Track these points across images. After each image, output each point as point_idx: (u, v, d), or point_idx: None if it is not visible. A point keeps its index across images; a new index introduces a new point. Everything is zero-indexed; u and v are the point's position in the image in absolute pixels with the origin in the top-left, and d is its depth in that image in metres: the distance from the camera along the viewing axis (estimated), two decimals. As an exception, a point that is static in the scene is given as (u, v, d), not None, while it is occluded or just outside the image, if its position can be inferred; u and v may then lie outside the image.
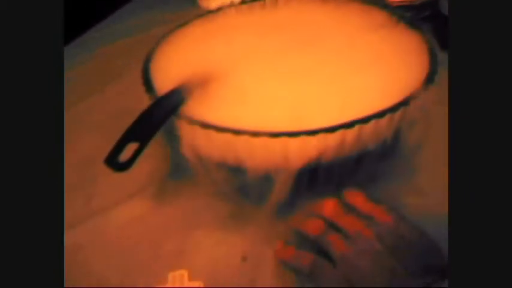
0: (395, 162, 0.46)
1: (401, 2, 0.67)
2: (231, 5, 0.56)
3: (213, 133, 0.38)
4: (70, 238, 0.44)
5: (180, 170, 0.48)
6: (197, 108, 0.41)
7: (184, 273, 0.43)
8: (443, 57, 0.43)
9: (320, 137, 0.37)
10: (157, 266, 0.43)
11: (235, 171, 0.41)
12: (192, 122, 0.39)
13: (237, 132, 0.38)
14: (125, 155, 0.38)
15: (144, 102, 0.42)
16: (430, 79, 0.42)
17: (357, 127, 0.38)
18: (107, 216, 0.48)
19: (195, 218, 0.47)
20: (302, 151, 0.38)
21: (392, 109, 0.39)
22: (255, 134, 0.37)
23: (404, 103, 0.39)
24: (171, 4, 0.82)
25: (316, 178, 0.42)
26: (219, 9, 0.56)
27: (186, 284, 0.42)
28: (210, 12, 0.55)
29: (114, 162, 0.37)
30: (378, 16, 0.51)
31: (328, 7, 0.53)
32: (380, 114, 0.38)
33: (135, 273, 0.43)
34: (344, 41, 0.48)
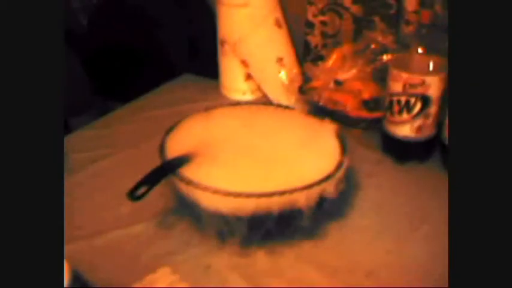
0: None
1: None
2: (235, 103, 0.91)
3: (193, 188, 0.61)
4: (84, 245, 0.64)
5: (177, 209, 0.67)
6: (192, 170, 0.63)
7: (168, 269, 0.59)
8: None
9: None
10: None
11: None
12: (181, 179, 0.62)
13: (204, 188, 0.60)
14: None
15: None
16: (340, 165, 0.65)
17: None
18: (119, 232, 0.66)
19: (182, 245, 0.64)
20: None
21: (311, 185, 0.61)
22: (216, 191, 0.59)
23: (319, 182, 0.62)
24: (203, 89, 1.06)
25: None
26: (220, 106, 0.82)
27: (170, 277, 0.58)
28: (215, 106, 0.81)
29: (132, 195, 0.58)
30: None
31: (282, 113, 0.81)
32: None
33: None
34: (287, 134, 0.73)
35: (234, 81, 1.03)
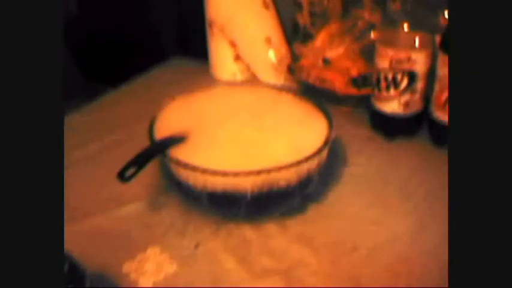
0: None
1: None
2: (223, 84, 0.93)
3: (182, 168, 0.61)
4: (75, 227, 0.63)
5: (167, 189, 0.69)
6: (181, 150, 0.64)
7: (157, 248, 0.60)
8: None
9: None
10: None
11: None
12: (170, 159, 0.62)
13: (192, 168, 0.60)
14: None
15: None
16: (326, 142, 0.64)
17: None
18: (110, 213, 0.67)
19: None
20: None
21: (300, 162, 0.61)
22: (204, 170, 0.60)
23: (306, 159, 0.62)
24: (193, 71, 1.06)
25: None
26: (209, 87, 0.81)
27: (159, 256, 0.59)
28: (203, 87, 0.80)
29: (122, 176, 0.57)
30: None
31: (271, 93, 0.80)
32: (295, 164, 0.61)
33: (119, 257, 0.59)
34: (275, 116, 0.72)
35: (224, 63, 1.03)
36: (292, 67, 0.94)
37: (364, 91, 0.85)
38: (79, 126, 0.87)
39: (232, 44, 1.00)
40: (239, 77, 1.03)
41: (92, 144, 0.82)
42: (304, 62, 0.93)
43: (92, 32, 1.25)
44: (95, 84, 1.19)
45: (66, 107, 0.98)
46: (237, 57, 1.01)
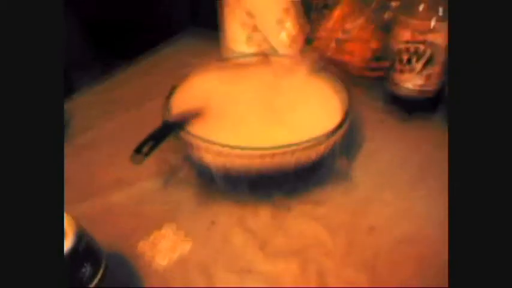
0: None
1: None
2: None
3: (199, 144, 0.60)
4: (94, 205, 0.65)
5: (183, 166, 0.68)
6: (198, 126, 0.63)
7: (173, 225, 0.61)
8: None
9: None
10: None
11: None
12: (187, 135, 0.61)
13: (210, 143, 0.59)
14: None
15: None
16: (343, 123, 0.63)
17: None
18: (126, 190, 0.67)
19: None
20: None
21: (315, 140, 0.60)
22: (222, 146, 0.59)
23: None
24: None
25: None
26: (224, 60, 0.84)
27: (175, 233, 0.60)
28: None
29: (137, 153, 0.57)
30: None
31: (287, 68, 0.78)
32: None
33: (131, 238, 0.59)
34: (291, 92, 0.71)
35: (238, 34, 1.01)
36: (310, 38, 0.92)
37: (383, 64, 0.83)
38: (92, 104, 0.87)
39: (249, 15, 0.97)
40: (255, 49, 1.00)
41: (106, 121, 0.81)
42: (322, 33, 0.91)
43: (102, 5, 1.23)
44: (107, 60, 1.18)
45: (79, 85, 0.98)
46: (254, 29, 0.99)
